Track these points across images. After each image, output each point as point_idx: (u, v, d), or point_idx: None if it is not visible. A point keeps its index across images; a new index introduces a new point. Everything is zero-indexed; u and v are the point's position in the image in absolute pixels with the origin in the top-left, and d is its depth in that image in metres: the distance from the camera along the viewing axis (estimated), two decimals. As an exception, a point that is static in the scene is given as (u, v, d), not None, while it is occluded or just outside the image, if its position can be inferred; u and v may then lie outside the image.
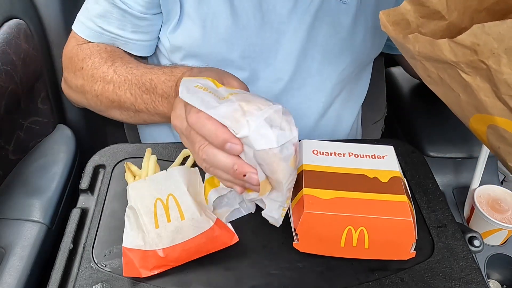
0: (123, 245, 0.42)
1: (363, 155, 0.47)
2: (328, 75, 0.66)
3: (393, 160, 0.47)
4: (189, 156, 0.52)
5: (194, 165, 0.49)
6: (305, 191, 0.43)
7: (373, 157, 0.47)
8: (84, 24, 0.63)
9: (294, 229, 0.43)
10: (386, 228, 0.41)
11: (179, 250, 0.41)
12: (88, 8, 0.63)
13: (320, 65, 0.64)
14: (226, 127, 0.36)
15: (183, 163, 0.51)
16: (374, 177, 0.45)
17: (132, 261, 0.41)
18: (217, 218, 0.43)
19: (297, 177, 0.45)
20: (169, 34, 0.62)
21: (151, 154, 0.50)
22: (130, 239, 0.42)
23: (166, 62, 0.66)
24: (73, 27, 0.65)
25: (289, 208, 0.45)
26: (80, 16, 0.64)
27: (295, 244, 0.44)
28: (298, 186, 0.44)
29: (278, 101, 0.65)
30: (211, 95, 0.37)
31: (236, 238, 0.43)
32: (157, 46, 0.68)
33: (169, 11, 0.61)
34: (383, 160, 0.47)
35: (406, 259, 0.43)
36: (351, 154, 0.48)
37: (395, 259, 0.43)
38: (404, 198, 0.42)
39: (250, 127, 0.35)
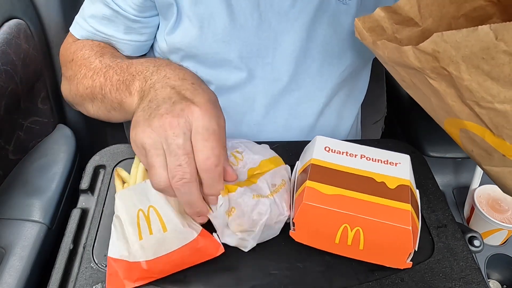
0: (108, 254, 0.41)
1: (375, 159, 0.46)
2: (329, 76, 0.65)
3: (406, 169, 0.45)
4: None
5: None
6: (308, 183, 0.43)
7: (386, 162, 0.46)
8: (78, 24, 0.64)
9: (292, 218, 0.44)
10: (382, 233, 0.40)
11: (163, 262, 0.40)
12: (84, 8, 0.64)
13: (320, 66, 0.64)
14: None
15: None
16: (382, 182, 0.44)
17: (117, 272, 0.40)
18: (202, 229, 0.42)
19: (303, 170, 0.46)
20: (167, 36, 0.62)
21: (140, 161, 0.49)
22: (116, 249, 0.41)
23: None
24: (70, 28, 0.66)
25: (292, 199, 0.46)
26: (77, 17, 0.65)
27: (291, 232, 0.44)
28: (303, 179, 0.44)
29: (277, 101, 0.66)
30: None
31: (221, 249, 0.42)
32: (154, 48, 0.68)
33: (166, 12, 0.61)
34: (395, 167, 0.45)
35: (402, 268, 0.43)
36: (363, 156, 0.46)
37: (390, 266, 0.43)
38: (408, 206, 0.41)
39: (254, 242, 0.44)
